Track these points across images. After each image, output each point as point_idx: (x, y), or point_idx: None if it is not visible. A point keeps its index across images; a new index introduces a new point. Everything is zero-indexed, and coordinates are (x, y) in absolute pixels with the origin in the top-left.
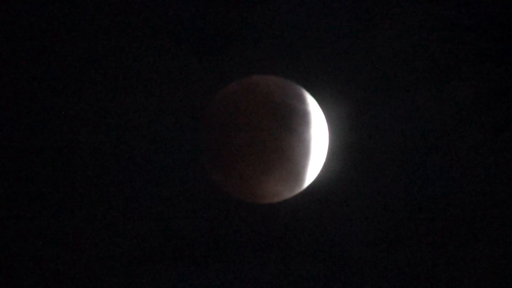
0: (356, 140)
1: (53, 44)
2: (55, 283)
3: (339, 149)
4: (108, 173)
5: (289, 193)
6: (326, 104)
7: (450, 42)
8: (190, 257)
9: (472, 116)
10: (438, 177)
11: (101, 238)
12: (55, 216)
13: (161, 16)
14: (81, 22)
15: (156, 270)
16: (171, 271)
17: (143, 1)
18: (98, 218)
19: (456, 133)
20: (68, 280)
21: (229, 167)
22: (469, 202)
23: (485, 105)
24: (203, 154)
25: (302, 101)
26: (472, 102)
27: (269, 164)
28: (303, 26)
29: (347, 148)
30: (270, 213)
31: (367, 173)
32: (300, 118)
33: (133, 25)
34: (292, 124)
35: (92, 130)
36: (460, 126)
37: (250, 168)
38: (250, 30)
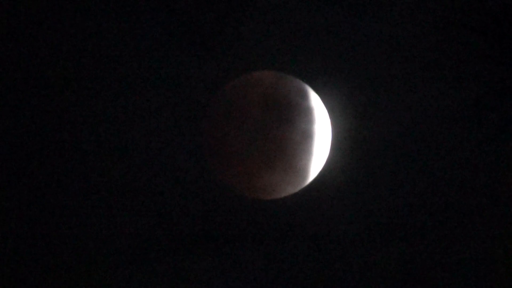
0: (359, 135)
1: (51, 42)
2: (51, 275)
3: (342, 144)
4: (108, 171)
5: (292, 189)
6: (328, 99)
7: (450, 42)
8: (192, 253)
9: (472, 116)
10: (438, 175)
11: (101, 231)
12: (53, 207)
13: (161, 13)
14: (78, 20)
15: (156, 265)
16: (172, 267)
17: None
18: (98, 212)
19: (456, 133)
20: (64, 272)
21: (231, 163)
22: (469, 201)
23: (485, 105)
24: (205, 150)
25: (305, 96)
26: (472, 102)
27: (271, 160)
28: (305, 21)
29: (350, 143)
30: (272, 208)
31: (369, 168)
32: (303, 113)
33: (134, 24)
34: (295, 119)
35: (92, 128)
36: (460, 126)
37: (253, 164)
38: (252, 26)
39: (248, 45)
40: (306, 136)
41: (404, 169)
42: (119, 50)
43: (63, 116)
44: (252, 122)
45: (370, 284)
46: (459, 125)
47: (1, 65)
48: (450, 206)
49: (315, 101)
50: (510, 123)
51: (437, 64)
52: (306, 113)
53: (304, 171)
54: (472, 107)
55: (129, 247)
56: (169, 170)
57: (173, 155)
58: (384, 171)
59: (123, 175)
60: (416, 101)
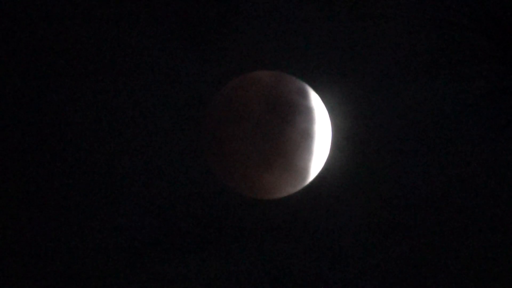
0: (359, 135)
1: (50, 40)
2: (51, 275)
3: (342, 144)
4: (108, 171)
5: (292, 189)
6: (329, 99)
7: (450, 42)
8: (192, 253)
9: (472, 116)
10: (438, 175)
11: (100, 231)
12: (53, 207)
13: (161, 13)
14: (77, 19)
15: (155, 265)
16: (172, 266)
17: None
18: (97, 211)
19: (456, 133)
20: (64, 272)
21: (231, 163)
22: (469, 201)
23: (485, 105)
24: (206, 150)
25: (305, 96)
26: (472, 102)
27: (271, 160)
28: (305, 21)
29: (350, 143)
30: (272, 208)
31: (369, 168)
32: (303, 113)
33: (134, 23)
34: (295, 119)
35: (92, 128)
36: (460, 125)
37: (253, 164)
38: (252, 26)
39: (248, 45)
40: (306, 136)
41: (404, 169)
42: (119, 49)
43: (63, 115)
44: (252, 121)
45: (370, 284)
46: (459, 125)
47: (1, 65)
48: (450, 206)
49: (315, 100)
50: (510, 123)
51: (437, 64)
52: (306, 112)
53: (304, 171)
54: (472, 107)
55: (129, 247)
56: (169, 170)
57: (173, 155)
58: (384, 171)
59: (123, 175)
60: (416, 101)
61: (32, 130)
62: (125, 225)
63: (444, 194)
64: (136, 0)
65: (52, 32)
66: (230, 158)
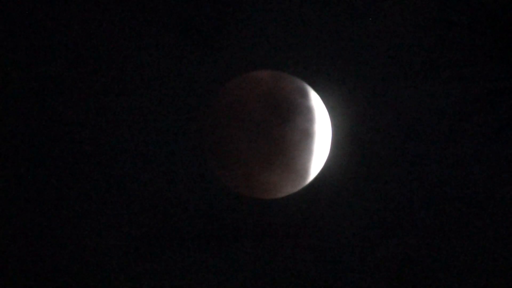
0: (359, 135)
1: (49, 40)
2: (52, 274)
3: (342, 144)
4: (108, 171)
5: (292, 189)
6: (329, 99)
7: (450, 42)
8: (192, 252)
9: (472, 116)
10: (438, 175)
11: (100, 230)
12: (56, 209)
13: (161, 12)
14: (77, 19)
15: (155, 265)
16: (172, 266)
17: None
18: (97, 211)
19: (456, 132)
20: (65, 271)
21: (232, 163)
22: (469, 201)
23: (485, 105)
24: (206, 150)
25: (305, 95)
26: (472, 102)
27: (271, 159)
28: (305, 21)
29: (350, 142)
30: (272, 208)
31: (369, 168)
32: (303, 112)
33: (135, 23)
34: (295, 119)
35: (92, 128)
36: (460, 125)
37: (253, 164)
38: (253, 25)
39: (249, 45)
40: (306, 136)
41: (404, 168)
42: (119, 49)
43: (63, 115)
44: (252, 121)
45: (370, 284)
46: (459, 124)
47: (1, 65)
48: (450, 206)
49: (316, 100)
50: (510, 123)
51: (437, 64)
52: (306, 112)
53: (304, 171)
54: (472, 107)
55: (128, 247)
56: (169, 170)
57: (173, 155)
58: (384, 171)
59: (123, 175)
60: (416, 100)
61: (32, 129)
62: (126, 225)
63: (444, 194)
64: (136, 0)
65: (52, 32)
66: (230, 158)
